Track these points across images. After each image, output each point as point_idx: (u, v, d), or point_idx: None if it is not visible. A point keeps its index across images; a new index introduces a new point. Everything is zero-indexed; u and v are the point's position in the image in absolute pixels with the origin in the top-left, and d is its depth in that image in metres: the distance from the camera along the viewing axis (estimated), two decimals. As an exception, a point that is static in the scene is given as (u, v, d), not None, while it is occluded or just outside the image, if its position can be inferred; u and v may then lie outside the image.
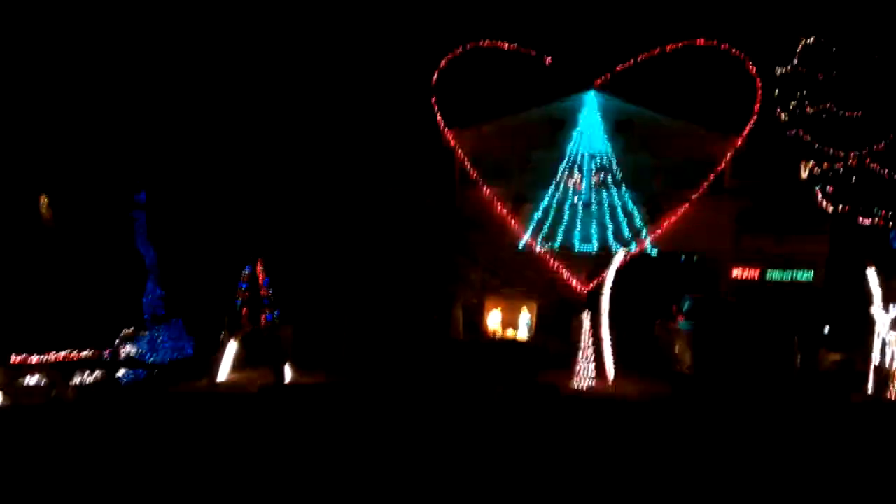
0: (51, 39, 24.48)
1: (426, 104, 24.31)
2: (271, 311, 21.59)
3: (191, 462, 9.54)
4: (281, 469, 9.45)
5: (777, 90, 22.17)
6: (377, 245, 23.95)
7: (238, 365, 15.95)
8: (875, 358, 16.01)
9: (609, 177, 24.35)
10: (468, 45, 24.75)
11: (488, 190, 24.94)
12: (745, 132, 23.94)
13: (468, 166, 25.19)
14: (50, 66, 23.92)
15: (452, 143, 25.45)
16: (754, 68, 23.55)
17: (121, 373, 14.49)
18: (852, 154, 18.85)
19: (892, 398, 14.97)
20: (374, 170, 26.35)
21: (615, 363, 16.96)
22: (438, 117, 24.80)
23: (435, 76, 24.59)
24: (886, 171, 16.65)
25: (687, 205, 22.84)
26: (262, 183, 24.52)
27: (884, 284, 16.24)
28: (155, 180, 20.53)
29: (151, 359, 15.22)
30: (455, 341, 21.38)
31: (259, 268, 22.34)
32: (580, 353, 16.40)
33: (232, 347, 15.51)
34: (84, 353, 14.44)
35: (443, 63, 24.77)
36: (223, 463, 9.53)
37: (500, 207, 24.71)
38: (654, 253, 23.47)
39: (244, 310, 21.70)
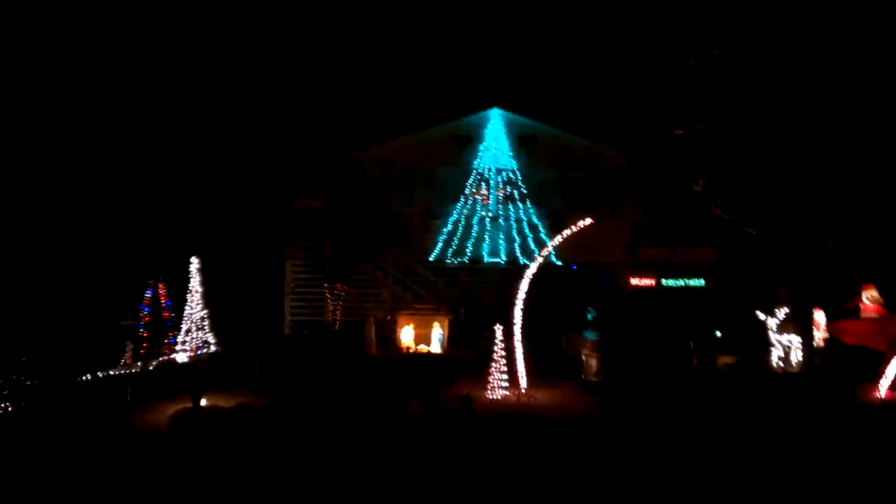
0: None
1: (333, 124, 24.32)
2: (174, 334, 20.90)
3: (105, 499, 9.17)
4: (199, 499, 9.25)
5: (670, 109, 23.51)
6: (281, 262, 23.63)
7: (152, 392, 15.39)
8: (771, 359, 17.31)
9: (515, 191, 25.12)
10: (377, 64, 25.02)
11: (397, 206, 25.22)
12: (640, 150, 25.40)
13: (377, 183, 25.43)
14: None
15: (361, 160, 25.60)
16: (649, 88, 24.99)
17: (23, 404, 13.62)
18: (739, 171, 20.15)
19: (780, 392, 16.12)
20: (279, 186, 25.96)
21: (527, 373, 17.43)
22: (347, 135, 24.90)
23: (343, 95, 24.70)
24: (772, 185, 17.96)
25: (589, 218, 23.85)
26: (164, 201, 23.69)
27: (771, 291, 17.61)
28: (47, 202, 19.54)
29: (51, 390, 14.38)
30: (368, 357, 21.34)
31: (161, 290, 21.57)
32: (493, 365, 16.75)
33: (141, 374, 14.92)
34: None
35: (351, 83, 24.93)
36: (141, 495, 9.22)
37: (409, 223, 25.00)
38: (559, 264, 24.34)
39: (145, 333, 20.88)
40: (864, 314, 20.28)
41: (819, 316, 19.45)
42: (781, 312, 17.42)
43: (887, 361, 15.12)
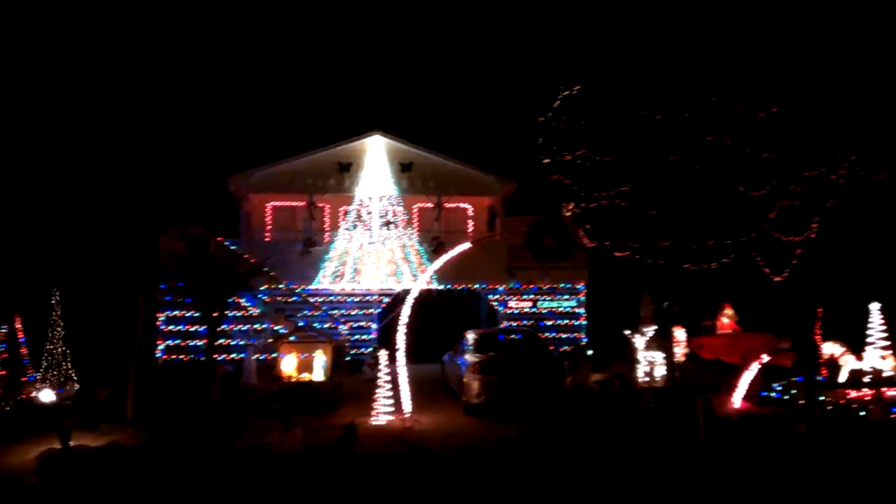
0: None
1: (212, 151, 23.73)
2: (32, 371, 19.59)
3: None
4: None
5: (540, 138, 24.63)
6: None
7: (13, 433, 14.37)
8: (637, 375, 18.39)
9: (396, 217, 25.41)
10: (254, 88, 24.69)
11: (277, 233, 24.88)
12: (517, 176, 26.46)
13: (255, 210, 24.98)
14: None
15: (239, 188, 25.08)
16: (518, 118, 26.15)
17: None
18: (604, 195, 21.39)
19: (647, 406, 17.14)
20: (149, 215, 25.02)
21: (411, 397, 17.61)
22: (222, 162, 24.32)
23: (218, 121, 24.16)
24: (634, 210, 19.19)
25: (469, 243, 24.51)
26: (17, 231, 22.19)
27: (637, 309, 18.76)
28: None
29: None
30: (247, 388, 20.77)
31: (17, 325, 20.17)
32: (377, 390, 16.79)
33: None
34: None
35: (229, 108, 24.44)
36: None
37: (289, 250, 24.69)
38: (440, 288, 24.75)
39: (2, 372, 19.42)
40: (719, 331, 22.06)
41: (679, 333, 20.92)
42: (647, 330, 18.55)
43: (741, 374, 16.43)
